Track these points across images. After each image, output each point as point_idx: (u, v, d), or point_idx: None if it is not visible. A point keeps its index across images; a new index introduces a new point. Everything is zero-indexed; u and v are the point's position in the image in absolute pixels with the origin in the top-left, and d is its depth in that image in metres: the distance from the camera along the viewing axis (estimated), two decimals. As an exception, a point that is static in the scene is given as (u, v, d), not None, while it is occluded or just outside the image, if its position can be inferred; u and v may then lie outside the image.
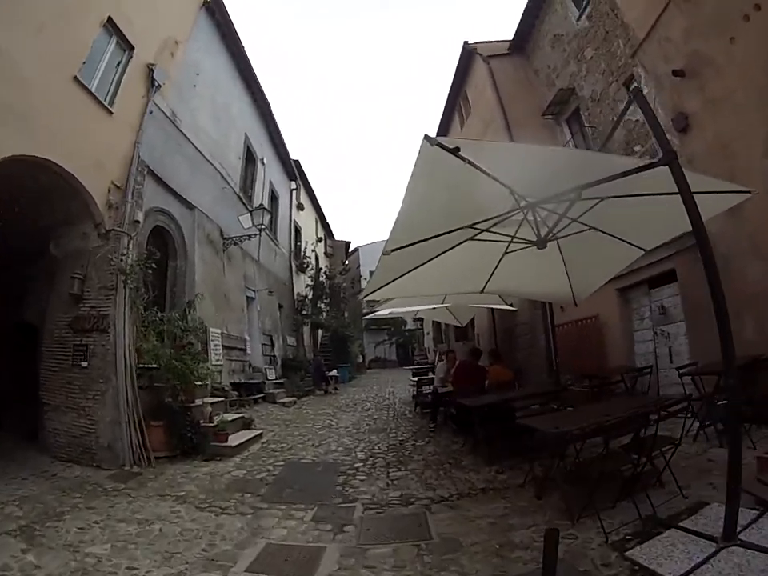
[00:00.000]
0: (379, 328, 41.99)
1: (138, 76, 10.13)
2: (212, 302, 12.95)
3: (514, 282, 7.11)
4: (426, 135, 3.09)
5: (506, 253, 6.00)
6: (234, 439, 9.27)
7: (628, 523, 4.26)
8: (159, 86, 10.51)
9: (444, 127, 20.33)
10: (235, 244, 15.12)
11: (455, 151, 3.21)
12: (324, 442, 9.83)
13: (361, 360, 34.16)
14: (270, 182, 20.21)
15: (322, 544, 4.77)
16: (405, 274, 5.58)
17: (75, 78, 8.33)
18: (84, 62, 8.55)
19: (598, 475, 4.50)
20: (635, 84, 10.09)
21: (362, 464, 7.87)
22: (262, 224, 15.08)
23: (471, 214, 4.64)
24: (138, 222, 9.83)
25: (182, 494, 6.61)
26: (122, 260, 9.08)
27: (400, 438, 9.77)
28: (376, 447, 9.06)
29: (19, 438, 9.78)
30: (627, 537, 4.06)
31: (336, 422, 12.35)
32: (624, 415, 4.83)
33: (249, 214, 15.25)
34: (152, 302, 9.97)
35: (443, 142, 3.15)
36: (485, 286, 7.14)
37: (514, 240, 5.45)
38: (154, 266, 9.77)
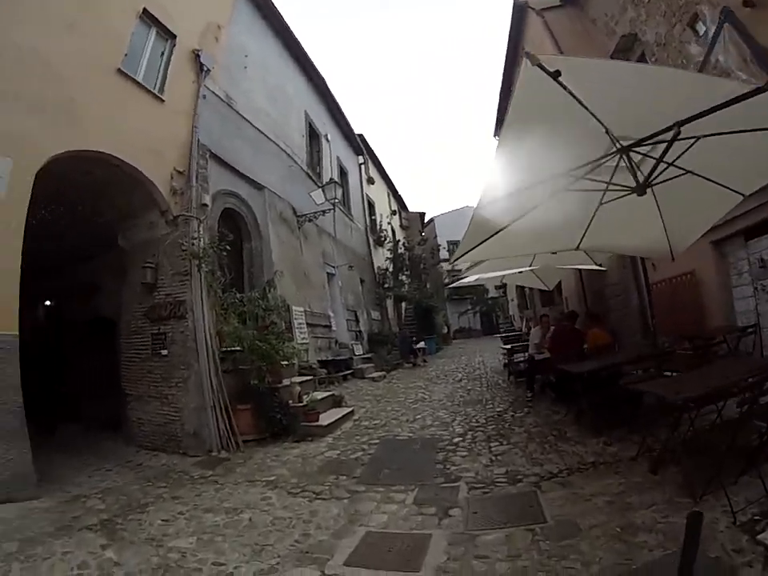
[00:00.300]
0: (462, 298, 40.84)
1: (185, 63, 9.87)
2: (292, 280, 12.57)
3: (609, 236, 6.29)
4: (526, 53, 2.86)
5: (600, 204, 5.32)
6: (325, 418, 8.86)
7: (754, 502, 3.61)
8: (208, 70, 10.21)
9: (506, 88, 18.89)
10: (310, 221, 14.66)
11: (556, 75, 2.90)
12: (419, 416, 9.24)
13: (446, 331, 33.35)
14: (338, 158, 19.64)
15: (427, 531, 4.25)
16: (497, 232, 5.12)
17: (119, 70, 8.13)
18: (126, 54, 8.35)
19: (726, 446, 3.85)
20: (700, 22, 8.62)
21: (461, 438, 7.26)
22: (335, 198, 14.57)
23: (566, 157, 4.21)
24: (205, 205, 9.49)
25: (273, 478, 6.25)
26: (193, 244, 8.75)
27: (497, 410, 9.13)
28: (474, 420, 8.42)
29: (100, 430, 9.86)
30: (755, 517, 3.45)
31: (428, 394, 11.71)
32: (749, 378, 4.24)
33: (320, 190, 14.78)
34: (229, 285, 9.66)
35: (544, 63, 2.86)
36: (580, 242, 6.34)
37: (610, 188, 4.82)
38: (227, 247, 9.42)
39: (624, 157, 4.08)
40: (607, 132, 3.70)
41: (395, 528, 4.39)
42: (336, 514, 4.82)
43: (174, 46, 9.59)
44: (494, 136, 19.21)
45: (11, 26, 6.40)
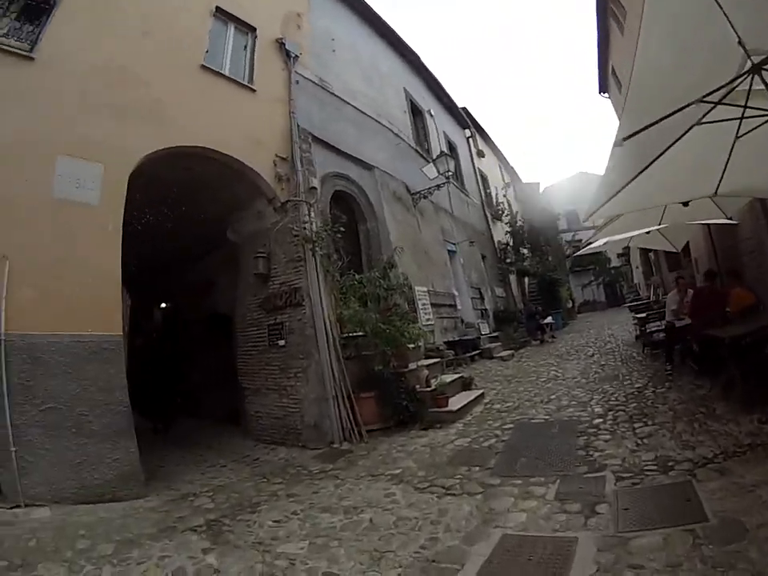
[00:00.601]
0: (584, 269, 37.83)
1: (270, 52, 9.68)
2: (412, 259, 11.79)
3: (749, 176, 5.08)
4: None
5: (737, 137, 4.31)
6: (455, 402, 8.10)
7: None
8: (296, 56, 9.96)
9: (604, 42, 16.74)
10: (425, 197, 13.80)
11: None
12: (553, 396, 8.31)
13: (570, 305, 31.02)
14: (444, 133, 18.61)
15: (572, 533, 3.55)
16: (629, 183, 4.33)
17: (202, 66, 8.08)
18: (207, 51, 8.31)
19: None
20: None
21: (601, 420, 6.39)
22: (447, 170, 13.51)
23: (699, 80, 3.29)
24: (314, 188, 9.00)
25: (398, 471, 5.66)
26: (304, 229, 8.26)
27: (636, 386, 8.07)
28: (612, 398, 7.46)
29: (219, 425, 9.76)
30: None
31: (561, 372, 10.68)
32: None
33: (431, 164, 13.86)
34: (347, 269, 9.08)
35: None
36: (718, 186, 5.16)
37: (746, 115, 3.86)
38: (341, 229, 8.81)
39: (758, 76, 3.19)
40: (740, 43, 2.87)
41: (535, 530, 3.72)
42: (468, 513, 4.20)
43: (256, 37, 9.42)
44: (600, 93, 17.74)
45: (92, 43, 6.59)
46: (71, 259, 5.73)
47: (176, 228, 9.35)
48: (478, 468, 5.31)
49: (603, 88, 17.50)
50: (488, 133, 25.15)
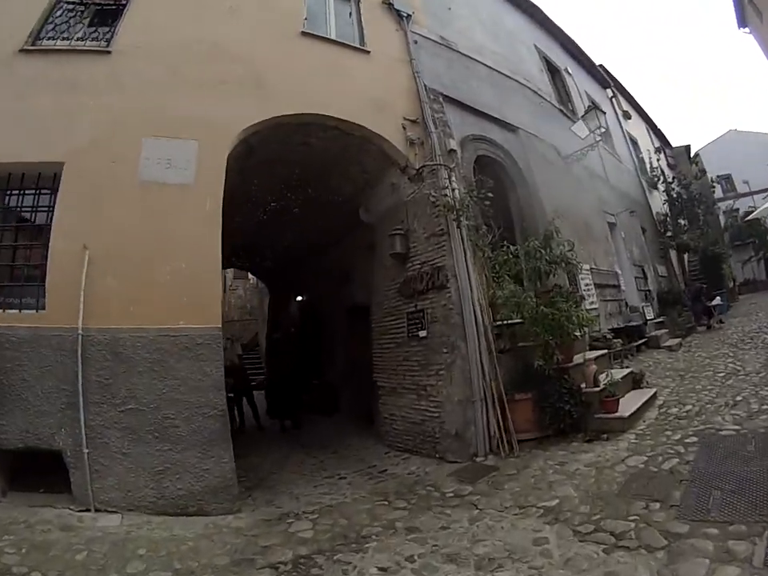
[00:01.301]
0: (743, 243, 31.52)
1: (379, 14, 8.57)
2: (571, 232, 9.71)
3: None
4: None
5: None
6: (625, 406, 6.26)
7: None
8: (408, 15, 8.75)
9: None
10: (578, 160, 11.77)
11: None
12: (739, 398, 6.33)
13: (732, 284, 25.95)
14: (586, 92, 16.18)
15: None
16: None
17: (303, 33, 7.29)
18: (306, 18, 7.50)
19: None
20: None
21: None
22: (599, 126, 11.44)
23: None
24: (453, 150, 7.42)
25: (554, 503, 4.24)
26: (445, 196, 6.68)
27: None
28: None
29: (354, 426, 8.84)
30: None
31: (740, 365, 8.37)
32: None
33: (581, 121, 11.85)
34: (499, 244, 7.33)
35: None
36: None
37: None
38: (489, 195, 7.03)
39: None
40: None
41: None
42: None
43: (359, 2, 8.43)
44: (740, 28, 14.23)
45: (176, 26, 6.29)
46: (161, 244, 5.19)
47: (305, 214, 8.68)
48: (658, 505, 3.79)
49: (741, 22, 14.05)
50: (630, 92, 21.82)
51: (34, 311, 4.88)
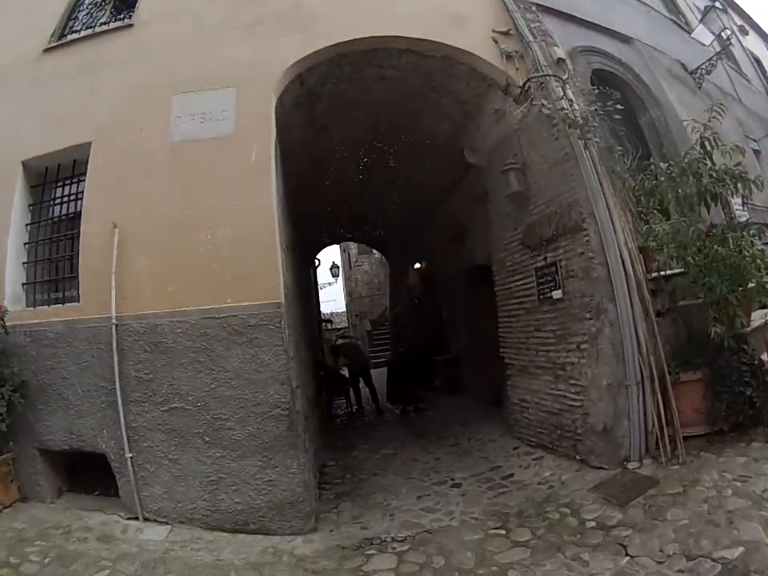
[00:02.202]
0: None
1: None
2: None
3: None
4: None
5: None
6: None
7: None
8: None
9: None
10: (707, 73, 8.13)
11: None
12: None
13: None
14: (693, 4, 11.90)
15: None
16: None
17: None
18: None
19: None
20: None
21: None
22: (725, 29, 8.23)
23: None
24: (561, 59, 4.85)
25: (736, 554, 2.28)
26: (563, 109, 4.20)
27: None
28: None
29: (480, 409, 6.48)
30: None
31: None
32: None
33: (701, 26, 8.34)
34: (638, 171, 4.61)
35: None
36: None
37: None
38: (619, 107, 4.33)
39: None
40: None
41: None
42: None
43: None
44: None
45: None
46: (197, 209, 3.67)
47: (404, 167, 6.65)
48: None
49: None
50: (739, 4, 16.42)
51: (72, 303, 3.74)
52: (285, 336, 3.39)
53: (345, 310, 21.03)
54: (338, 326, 21.02)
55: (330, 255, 21.09)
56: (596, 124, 4.30)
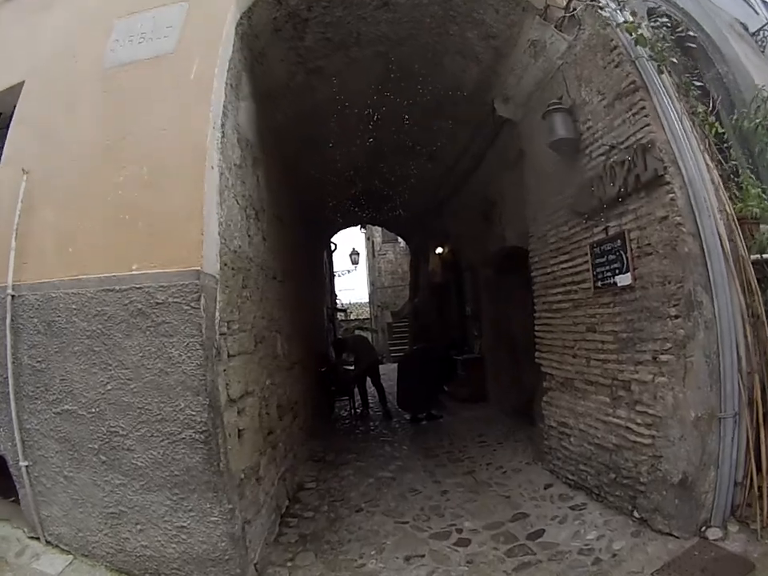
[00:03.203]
0: None
1: None
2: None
3: None
4: None
5: None
6: None
7: None
8: None
9: None
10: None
11: None
12: None
13: None
14: None
15: None
16: None
17: None
18: None
19: None
20: None
21: None
22: None
23: None
24: None
25: None
26: (625, 23, 2.96)
27: None
28: None
29: (506, 422, 5.31)
30: None
31: None
32: None
33: None
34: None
35: None
36: None
37: None
38: (691, 34, 3.81)
39: None
40: None
41: None
42: None
43: None
44: None
45: None
46: (121, 142, 2.61)
47: (423, 127, 5.52)
48: None
49: None
50: None
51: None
52: (204, 322, 2.24)
53: (367, 300, 20.13)
54: (359, 317, 20.13)
55: (351, 242, 20.12)
56: (670, 43, 3.15)
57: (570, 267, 3.47)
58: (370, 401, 7.16)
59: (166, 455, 2.24)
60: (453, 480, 3.78)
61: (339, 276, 16.53)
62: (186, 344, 2.21)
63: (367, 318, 19.19)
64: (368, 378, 7.09)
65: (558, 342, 3.67)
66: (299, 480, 3.91)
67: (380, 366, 7.43)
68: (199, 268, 2.25)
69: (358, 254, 16.07)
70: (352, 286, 20.34)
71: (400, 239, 16.23)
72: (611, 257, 2.95)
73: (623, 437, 2.84)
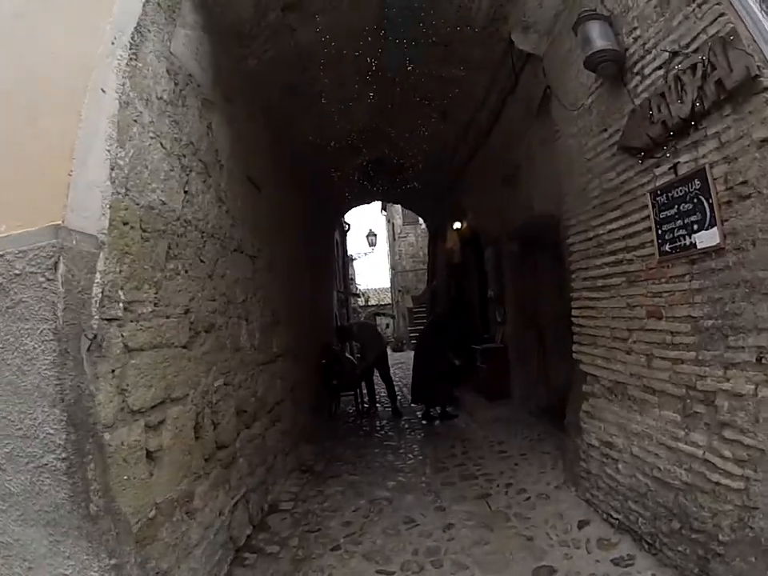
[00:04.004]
0: None
1: None
2: None
3: None
4: None
5: None
6: None
7: None
8: None
9: None
10: None
11: None
12: None
13: None
14: None
15: None
16: None
17: None
18: None
19: None
20: None
21: None
22: None
23: None
24: None
25: None
26: None
27: None
28: None
29: (531, 423, 4.51)
30: None
31: None
32: None
33: None
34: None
35: None
36: None
37: None
38: None
39: None
40: None
41: None
42: None
43: None
44: None
45: None
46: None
47: (432, 82, 4.82)
48: None
49: None
50: None
51: None
52: (62, 300, 1.50)
53: (389, 285, 19.45)
54: (380, 303, 19.45)
55: (370, 224, 19.37)
56: None
57: (621, 228, 2.55)
58: (383, 393, 6.49)
59: (33, 483, 1.54)
60: (461, 507, 2.99)
61: (355, 259, 15.87)
62: (39, 332, 1.49)
63: (387, 304, 18.53)
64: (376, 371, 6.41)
65: (605, 331, 2.77)
66: (273, 499, 3.22)
67: (400, 354, 6.71)
68: (60, 222, 1.52)
69: (375, 235, 15.28)
70: (371, 270, 19.77)
71: (421, 220, 15.36)
72: (685, 207, 2.02)
73: (699, 473, 1.96)
